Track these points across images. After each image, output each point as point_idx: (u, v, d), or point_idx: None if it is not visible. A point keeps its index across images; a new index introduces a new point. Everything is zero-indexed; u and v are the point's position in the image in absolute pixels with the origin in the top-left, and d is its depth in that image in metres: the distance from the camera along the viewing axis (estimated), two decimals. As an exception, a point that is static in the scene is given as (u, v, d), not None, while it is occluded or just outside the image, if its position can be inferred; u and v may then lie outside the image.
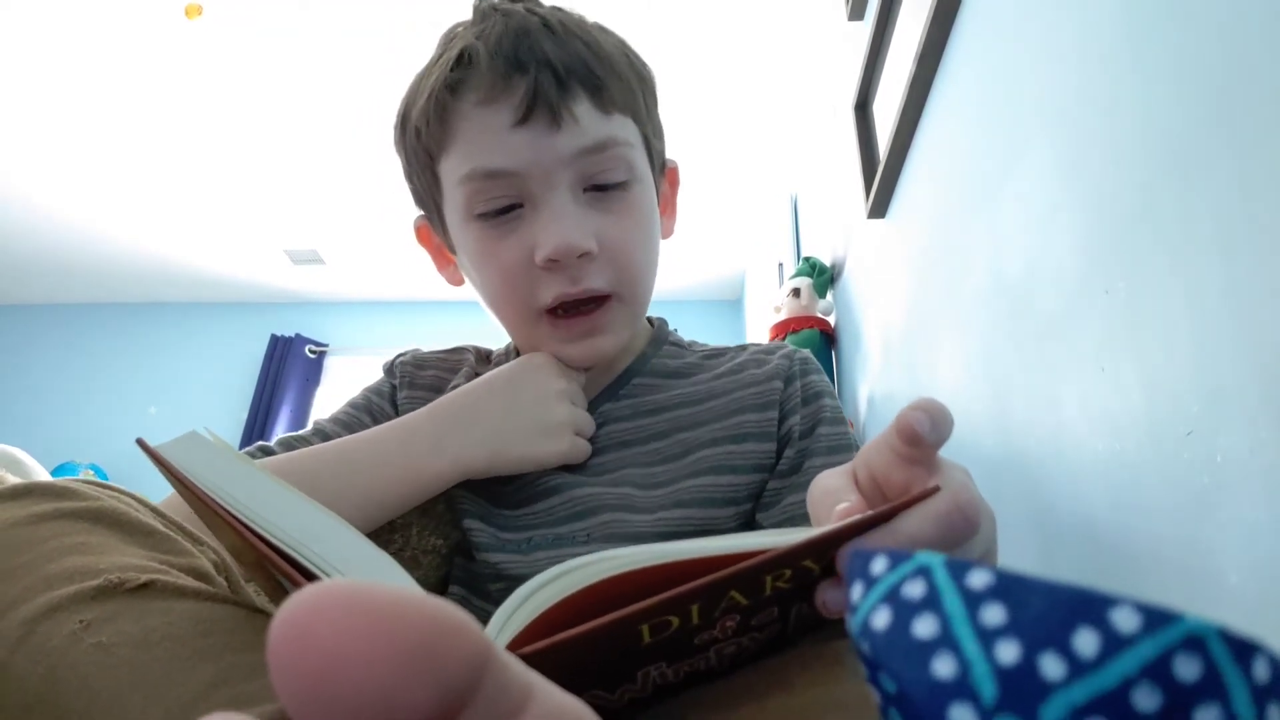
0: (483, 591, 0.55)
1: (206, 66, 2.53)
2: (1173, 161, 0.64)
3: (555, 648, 0.24)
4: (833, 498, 0.33)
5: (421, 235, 0.67)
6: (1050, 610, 0.16)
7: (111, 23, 2.34)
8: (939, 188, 1.26)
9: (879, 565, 0.20)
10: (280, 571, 0.29)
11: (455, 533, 0.58)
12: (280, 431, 3.62)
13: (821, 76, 2.22)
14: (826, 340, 2.03)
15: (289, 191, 3.20)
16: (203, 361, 3.98)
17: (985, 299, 1.05)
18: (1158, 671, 0.15)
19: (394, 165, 0.64)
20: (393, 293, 4.06)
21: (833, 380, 2.04)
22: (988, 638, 0.17)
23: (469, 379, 0.64)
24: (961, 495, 0.29)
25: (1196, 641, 0.15)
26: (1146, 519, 0.67)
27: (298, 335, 3.98)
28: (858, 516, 0.28)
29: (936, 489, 0.29)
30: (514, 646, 0.25)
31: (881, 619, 0.19)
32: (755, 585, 0.27)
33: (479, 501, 0.57)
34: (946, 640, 0.17)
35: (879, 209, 1.57)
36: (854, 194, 1.78)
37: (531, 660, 0.20)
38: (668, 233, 0.67)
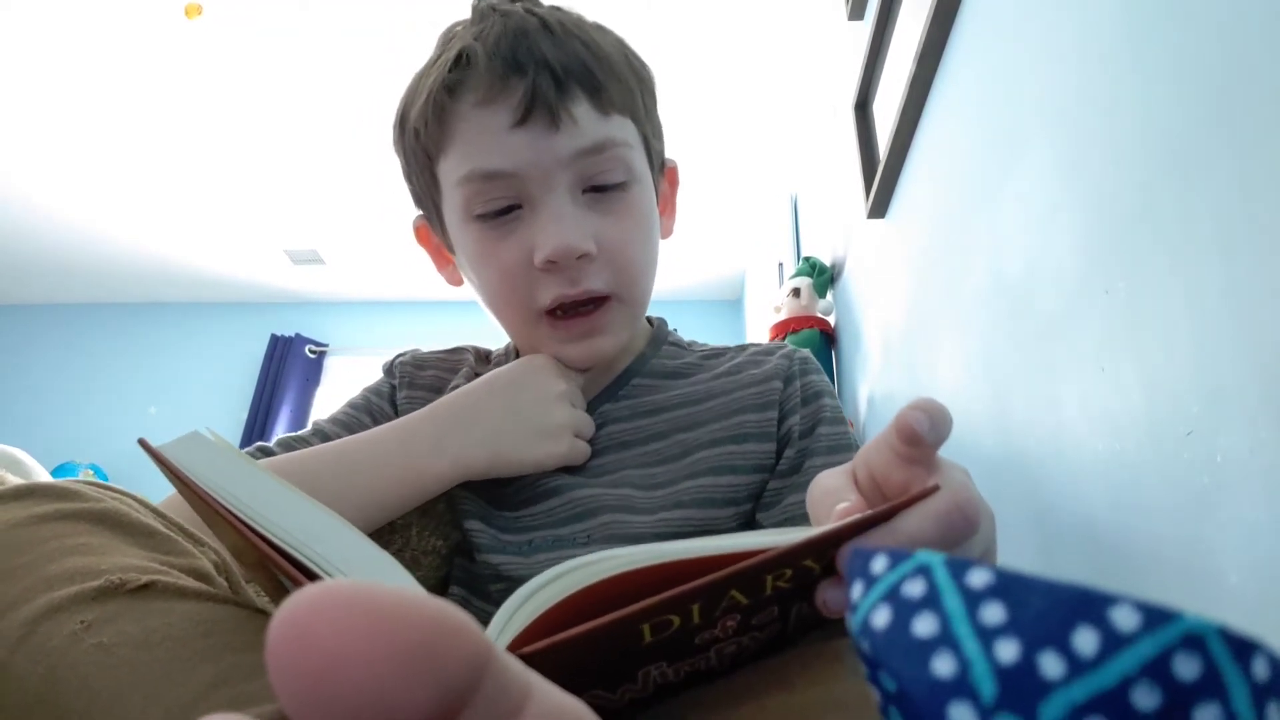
0: (483, 592, 0.55)
1: (206, 66, 2.53)
2: (1173, 161, 0.64)
3: (556, 648, 0.24)
4: (832, 497, 0.33)
5: (421, 235, 0.67)
6: (1050, 609, 0.16)
7: (111, 23, 2.34)
8: (939, 188, 1.26)
9: (879, 564, 0.20)
10: (281, 571, 0.29)
11: (455, 533, 0.58)
12: (280, 432, 3.62)
13: (821, 76, 2.22)
14: (826, 340, 2.03)
15: (289, 191, 3.20)
16: (203, 361, 3.98)
17: (985, 299, 1.05)
18: (1157, 670, 0.15)
19: (394, 165, 0.64)
20: (393, 293, 4.06)
21: (833, 380, 2.04)
22: (987, 636, 0.17)
23: (469, 379, 0.64)
24: (961, 495, 0.29)
25: (1196, 640, 0.15)
26: (1146, 519, 0.67)
27: (298, 335, 3.98)
28: (857, 516, 0.28)
29: (936, 488, 0.29)
30: (515, 647, 0.25)
31: (881, 618, 0.19)
32: (756, 585, 0.27)
33: (479, 502, 0.57)
34: (946, 639, 0.17)
35: (879, 209, 1.57)
36: (854, 194, 1.78)
37: (532, 660, 0.20)
38: (667, 232, 0.67)
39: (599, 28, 0.59)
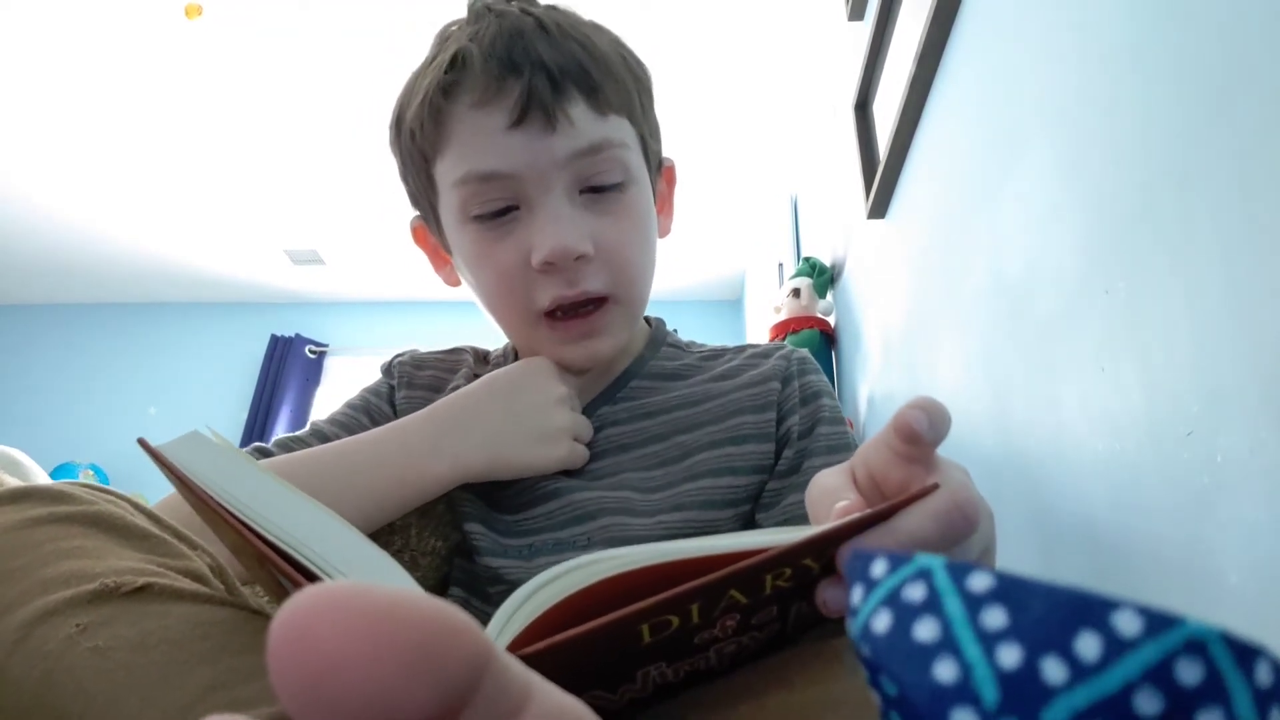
0: (482, 594, 0.55)
1: (206, 66, 2.53)
2: (1173, 161, 0.64)
3: (555, 648, 0.24)
4: (831, 496, 0.33)
5: (418, 236, 0.67)
6: (1052, 613, 0.16)
7: (111, 23, 2.34)
8: (939, 188, 1.26)
9: (879, 568, 0.20)
10: (281, 572, 0.29)
11: (455, 534, 0.58)
12: (280, 432, 3.63)
13: (821, 76, 2.22)
14: (826, 340, 2.03)
15: (289, 191, 3.20)
16: (203, 361, 3.98)
17: (985, 299, 1.05)
18: (1159, 675, 0.15)
19: (393, 165, 0.63)
20: (393, 293, 4.06)
21: (833, 380, 2.04)
22: (989, 641, 0.17)
23: (468, 379, 0.64)
24: (960, 493, 0.29)
25: (1198, 645, 0.15)
26: (1146, 519, 0.67)
27: (298, 335, 3.98)
28: (856, 515, 0.28)
29: (935, 487, 0.29)
30: (514, 647, 0.25)
31: (882, 622, 0.19)
32: (755, 584, 0.27)
33: (479, 505, 0.57)
34: (948, 644, 0.17)
35: (879, 209, 1.57)
36: (854, 194, 1.78)
37: (531, 661, 0.20)
38: (665, 232, 0.66)
39: (595, 27, 0.59)
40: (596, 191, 0.56)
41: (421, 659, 0.13)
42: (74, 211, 3.28)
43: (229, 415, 3.81)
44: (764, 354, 0.63)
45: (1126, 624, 0.15)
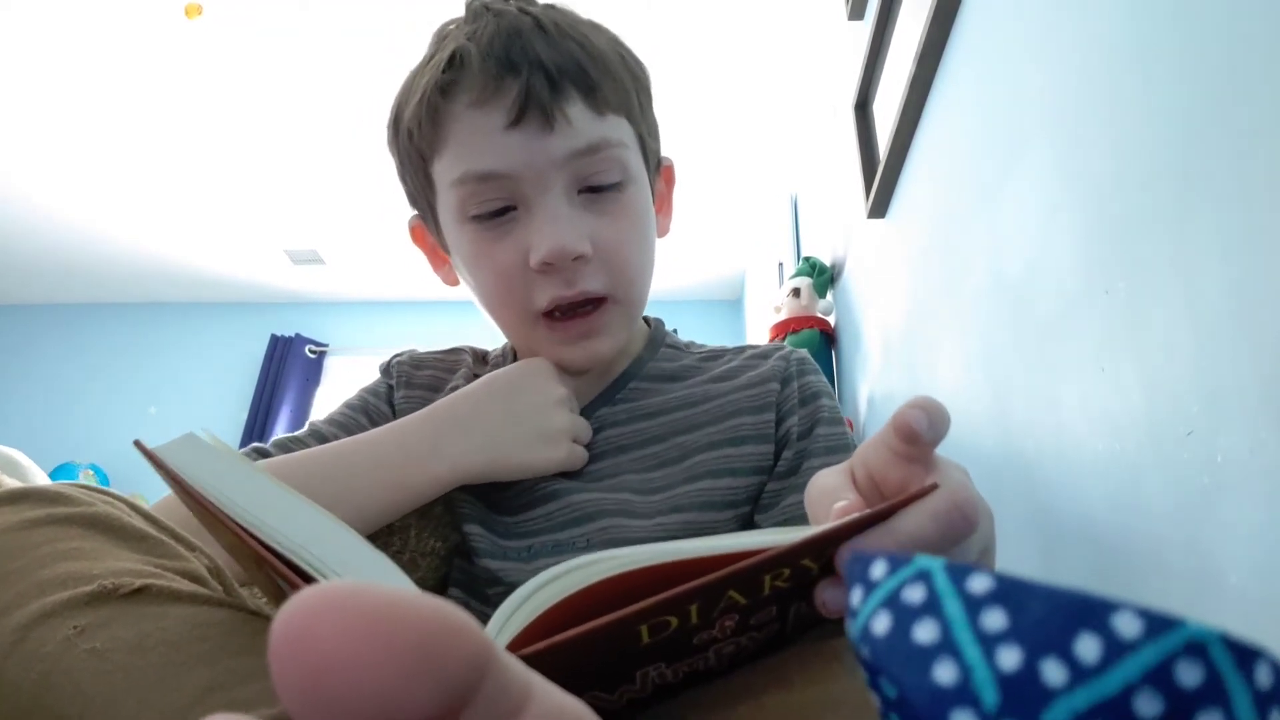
0: (481, 595, 0.55)
1: (206, 66, 2.53)
2: (1173, 161, 0.64)
3: (554, 649, 0.24)
4: (830, 496, 0.33)
5: (416, 235, 0.67)
6: (1051, 615, 0.16)
7: (111, 23, 2.34)
8: (939, 188, 1.26)
9: (878, 570, 0.20)
10: (278, 574, 0.29)
11: (454, 535, 0.58)
12: (280, 432, 3.63)
13: (821, 76, 2.22)
14: (826, 340, 2.03)
15: (289, 191, 3.20)
16: (203, 361, 3.98)
17: (985, 299, 1.05)
18: (1160, 677, 0.15)
19: (393, 165, 0.63)
20: (393, 293, 4.06)
21: (833, 380, 2.04)
22: (989, 643, 0.17)
23: (467, 379, 0.64)
24: (960, 493, 0.29)
25: (1198, 647, 0.15)
26: (1146, 519, 0.67)
27: (298, 335, 3.98)
28: (855, 515, 0.28)
29: (934, 487, 0.29)
30: (513, 647, 0.25)
31: (882, 624, 0.19)
32: (754, 585, 0.27)
33: (478, 506, 0.57)
34: (947, 646, 0.17)
35: (879, 209, 1.57)
36: (854, 194, 1.78)
37: (531, 661, 0.20)
38: (664, 231, 0.66)
39: (594, 26, 0.59)
40: (595, 191, 0.56)
41: (422, 659, 0.13)
42: (74, 211, 3.28)
43: (229, 415, 3.81)
44: (763, 355, 0.63)
45: (1126, 626, 0.15)
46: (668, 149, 0.66)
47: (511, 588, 0.35)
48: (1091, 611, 0.16)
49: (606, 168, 0.55)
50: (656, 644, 0.27)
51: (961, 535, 0.29)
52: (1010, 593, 0.17)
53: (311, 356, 3.96)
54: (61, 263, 3.68)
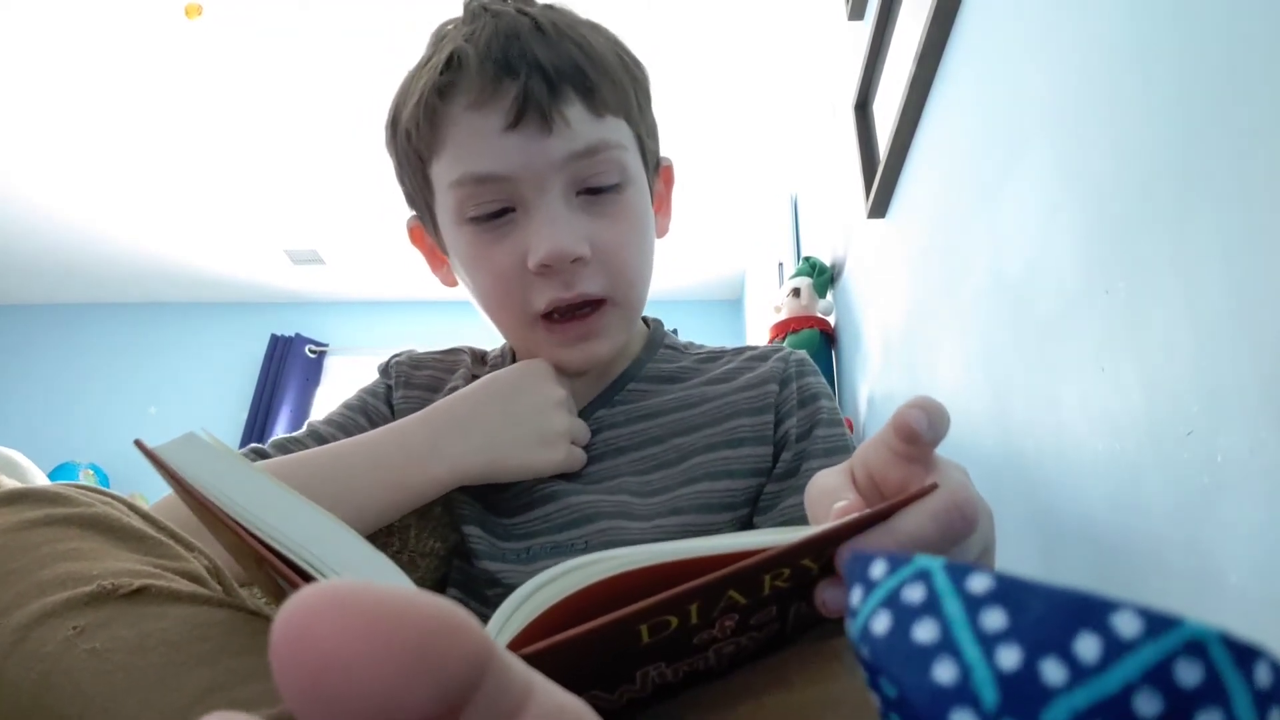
0: (480, 596, 0.55)
1: (206, 66, 2.53)
2: (1173, 161, 0.64)
3: (554, 648, 0.24)
4: (830, 496, 0.33)
5: (414, 236, 0.66)
6: (1051, 615, 0.16)
7: (111, 23, 2.34)
8: (939, 188, 1.26)
9: (878, 569, 0.20)
10: (278, 573, 0.29)
11: (453, 535, 0.58)
12: (280, 432, 3.63)
13: (821, 76, 2.22)
14: (826, 340, 2.03)
15: (289, 191, 3.20)
16: (203, 361, 3.98)
17: (985, 299, 1.05)
18: (1159, 676, 0.15)
19: (392, 165, 0.63)
20: (393, 293, 4.06)
21: (832, 380, 2.04)
22: (988, 642, 0.17)
23: (466, 380, 0.64)
24: (959, 493, 0.29)
25: (1198, 646, 0.15)
26: (1146, 519, 0.67)
27: (298, 335, 3.98)
28: (855, 515, 0.28)
29: (934, 487, 0.29)
30: (513, 647, 0.25)
31: (881, 624, 0.19)
32: (754, 584, 0.27)
33: (477, 507, 0.57)
34: (947, 645, 0.17)
35: (879, 209, 1.57)
36: (854, 194, 1.78)
37: (531, 660, 0.20)
38: (663, 231, 0.66)
39: (592, 26, 0.59)
40: (593, 193, 0.55)
41: (422, 657, 0.13)
42: (74, 211, 3.28)
43: (229, 415, 3.81)
44: (761, 356, 0.63)
45: (1126, 625, 0.15)
46: (667, 149, 0.66)
47: (510, 589, 0.35)
48: (1091, 611, 0.16)
49: (605, 169, 0.55)
50: (657, 643, 0.27)
51: (961, 535, 0.29)
52: (1010, 592, 0.17)
53: (311, 356, 3.97)
54: (61, 263, 3.68)
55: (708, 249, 3.64)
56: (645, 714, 0.32)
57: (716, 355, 0.66)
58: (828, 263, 2.11)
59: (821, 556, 0.28)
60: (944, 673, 0.17)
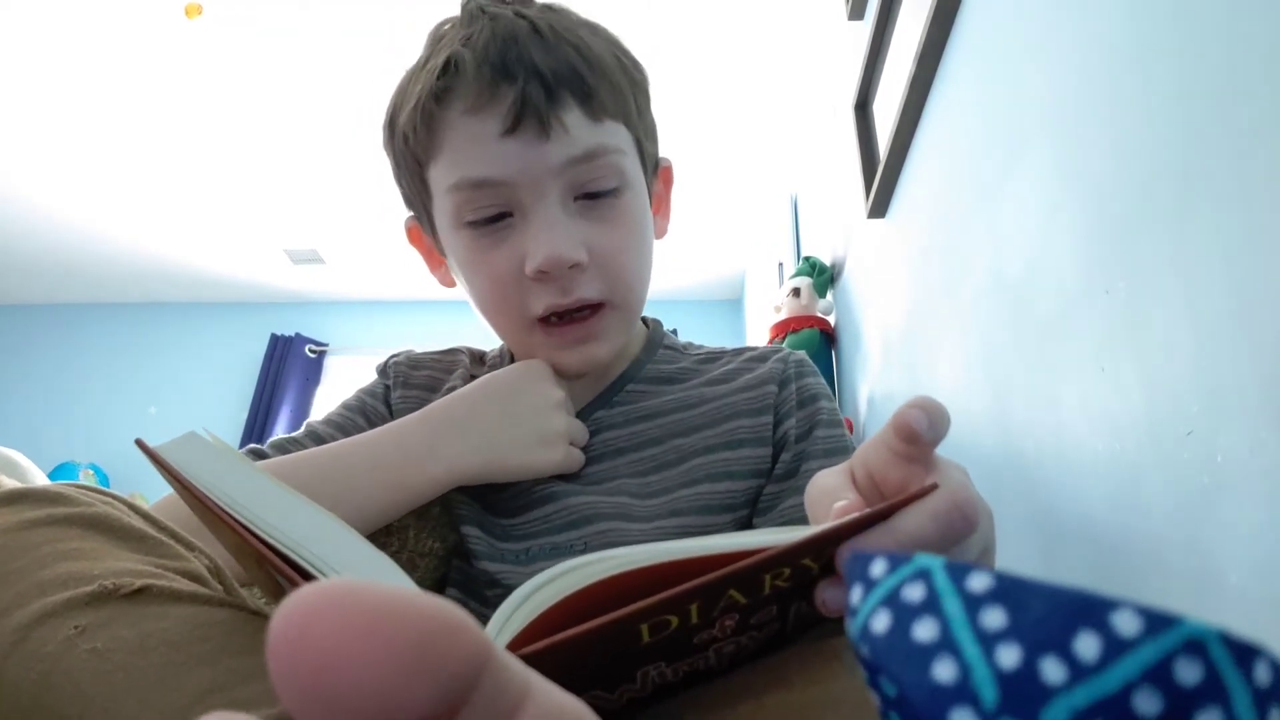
0: (479, 596, 0.54)
1: (206, 66, 2.53)
2: (1173, 161, 0.64)
3: (554, 648, 0.24)
4: (830, 496, 0.33)
5: (413, 236, 0.66)
6: (1051, 614, 0.16)
7: (111, 23, 2.34)
8: (939, 188, 1.26)
9: (878, 568, 0.20)
10: (279, 572, 0.29)
11: (452, 535, 0.58)
12: (280, 432, 3.63)
13: (821, 76, 2.22)
14: (826, 340, 2.03)
15: (289, 191, 3.20)
16: (203, 361, 3.98)
17: (985, 299, 1.05)
18: (1159, 675, 0.15)
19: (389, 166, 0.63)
20: (393, 293, 4.06)
21: (832, 380, 2.04)
22: (988, 641, 0.17)
23: (464, 380, 0.64)
24: (960, 493, 0.29)
25: (1197, 645, 0.15)
26: (1146, 519, 0.67)
27: (298, 335, 3.98)
28: (855, 514, 0.28)
29: (934, 487, 0.29)
30: (513, 647, 0.25)
31: (881, 622, 0.19)
32: (754, 584, 0.27)
33: (475, 508, 0.57)
34: (947, 644, 0.17)
35: (879, 209, 1.57)
36: (854, 194, 1.78)
37: (530, 660, 0.20)
38: (661, 232, 0.66)
39: (591, 28, 0.58)
40: (591, 198, 0.55)
41: (420, 657, 0.13)
42: (74, 211, 3.28)
43: (229, 415, 3.81)
44: (760, 357, 0.63)
45: (1126, 624, 0.15)
46: (667, 149, 0.66)
47: (509, 590, 0.35)
48: (1091, 610, 0.16)
49: (603, 174, 0.55)
50: (657, 643, 0.27)
51: (961, 535, 0.29)
52: (1010, 591, 0.17)
53: (311, 356, 3.97)
54: (61, 263, 3.68)
55: (708, 249, 3.64)
56: (645, 714, 0.32)
57: (716, 356, 0.65)
58: (828, 263, 2.11)
59: (822, 556, 0.28)
60: (944, 671, 0.17)
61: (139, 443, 0.34)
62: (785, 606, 0.31)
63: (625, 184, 0.56)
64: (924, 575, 0.19)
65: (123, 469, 3.56)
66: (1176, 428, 0.63)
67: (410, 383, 0.66)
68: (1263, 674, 0.15)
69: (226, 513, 0.30)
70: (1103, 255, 0.75)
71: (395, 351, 0.70)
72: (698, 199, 3.19)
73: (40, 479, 1.75)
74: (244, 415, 3.79)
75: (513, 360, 0.66)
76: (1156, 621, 0.15)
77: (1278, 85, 0.53)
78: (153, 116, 2.74)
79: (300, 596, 0.13)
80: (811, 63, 2.35)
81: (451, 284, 0.65)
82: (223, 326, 4.07)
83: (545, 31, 0.53)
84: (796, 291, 2.06)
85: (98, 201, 3.21)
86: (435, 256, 0.65)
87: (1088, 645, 0.16)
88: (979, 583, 0.18)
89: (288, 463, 0.53)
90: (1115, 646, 0.15)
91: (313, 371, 3.96)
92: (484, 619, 0.32)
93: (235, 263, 3.75)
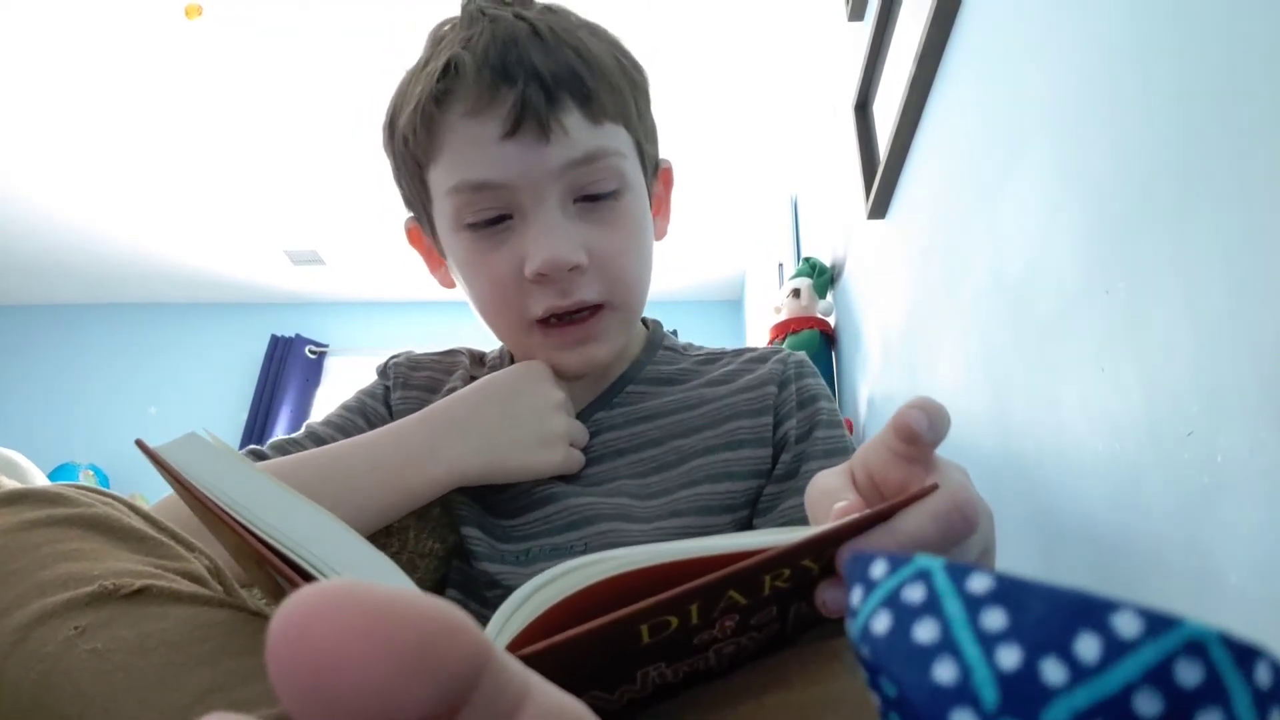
0: (479, 597, 0.54)
1: (206, 66, 2.53)
2: (1173, 161, 0.64)
3: (554, 648, 0.24)
4: (830, 497, 0.33)
5: (412, 237, 0.66)
6: (1051, 615, 0.16)
7: (111, 23, 2.34)
8: (939, 188, 1.26)
9: (878, 569, 0.20)
10: (279, 572, 0.29)
11: (452, 536, 0.58)
12: (280, 432, 3.63)
13: (821, 76, 2.22)
14: (826, 341, 2.03)
15: (289, 191, 3.20)
16: (203, 361, 3.98)
17: (985, 299, 1.05)
18: (1159, 676, 0.15)
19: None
20: (392, 293, 4.06)
21: (832, 381, 2.04)
22: (989, 642, 0.17)
23: (464, 381, 0.64)
24: (960, 494, 0.29)
25: (1198, 646, 0.15)
26: (1146, 519, 0.67)
27: (298, 336, 3.98)
28: (856, 515, 0.28)
29: (934, 487, 0.29)
30: (513, 648, 0.25)
31: (882, 623, 0.19)
32: (754, 585, 0.27)
33: (475, 509, 0.57)
34: (947, 645, 0.17)
35: (879, 209, 1.57)
36: (854, 194, 1.78)
37: (530, 661, 0.20)
38: (661, 234, 0.66)
39: (591, 29, 0.58)
40: (591, 200, 0.55)
41: (420, 657, 0.13)
42: (74, 211, 3.28)
43: (229, 415, 3.81)
44: (760, 358, 0.63)
45: (1126, 625, 0.15)
46: (667, 150, 0.66)
47: (509, 590, 0.35)
48: (1091, 611, 0.16)
49: (603, 177, 0.55)
50: (657, 644, 0.27)
51: (961, 536, 0.29)
52: (1010, 592, 0.17)
53: (311, 357, 3.97)
54: (61, 263, 3.68)
55: (708, 249, 3.64)
56: (645, 714, 0.32)
57: (716, 357, 0.65)
58: (828, 263, 2.11)
59: (822, 557, 0.28)
60: (944, 672, 0.17)
61: (139, 443, 0.34)
62: (785, 607, 0.31)
63: (625, 186, 0.56)
64: (924, 576, 0.19)
65: (123, 469, 3.56)
66: (1176, 428, 0.63)
67: (410, 384, 0.66)
68: (1263, 675, 0.15)
69: (226, 513, 0.30)
70: (1103, 255, 0.75)
71: (395, 352, 0.70)
72: (698, 200, 3.19)
73: (40, 479, 1.75)
74: (244, 416, 3.80)
75: (512, 361, 0.66)
76: (1157, 622, 0.15)
77: (1278, 85, 0.53)
78: (153, 117, 2.75)
79: (300, 597, 0.13)
80: (811, 63, 2.35)
81: (451, 285, 0.65)
82: (223, 327, 4.07)
83: (545, 34, 0.53)
84: (796, 292, 2.06)
85: (98, 201, 3.21)
86: (435, 257, 0.65)
87: (1088, 646, 0.16)
88: (979, 584, 0.18)
89: (288, 463, 0.53)
90: (1116, 648, 0.15)
91: (313, 372, 3.96)
92: (484, 620, 0.32)
93: (235, 263, 3.75)
